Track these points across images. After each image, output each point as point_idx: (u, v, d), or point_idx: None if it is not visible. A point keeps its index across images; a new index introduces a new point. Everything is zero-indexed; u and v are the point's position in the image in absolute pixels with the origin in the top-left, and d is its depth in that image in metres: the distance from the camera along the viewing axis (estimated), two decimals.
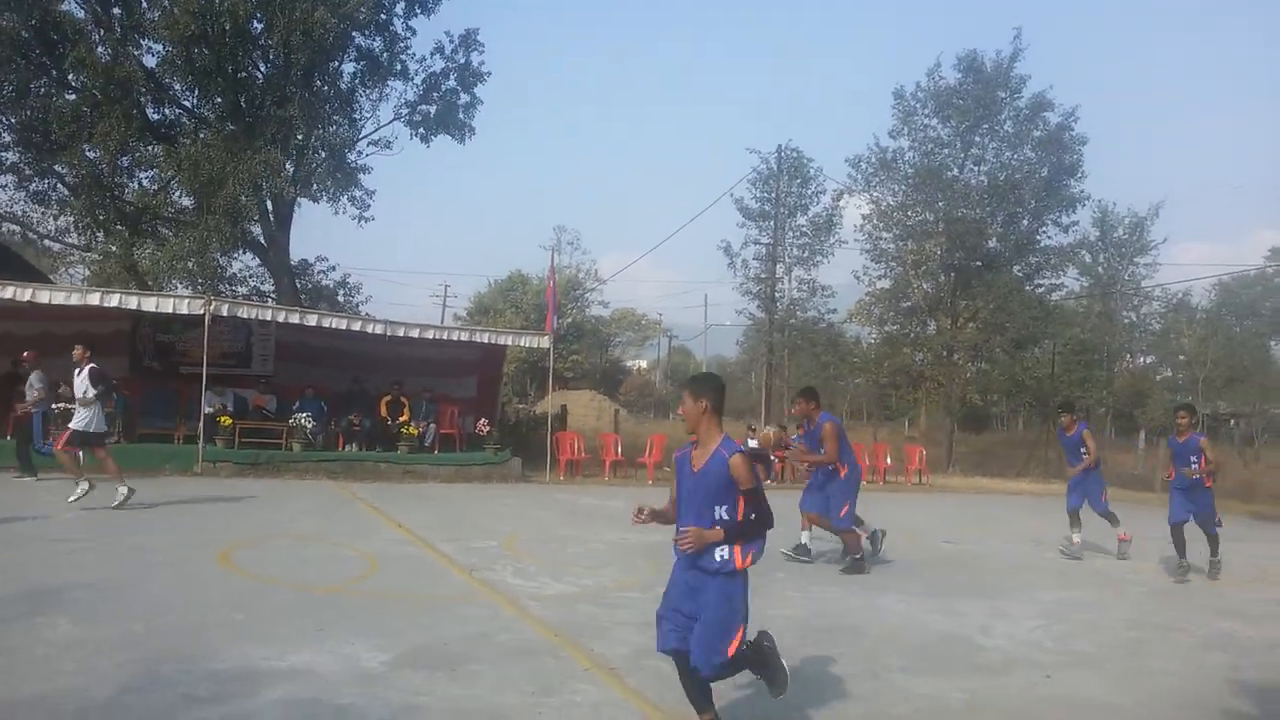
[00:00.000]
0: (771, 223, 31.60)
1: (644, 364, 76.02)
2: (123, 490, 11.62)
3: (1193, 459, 10.70)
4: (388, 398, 19.32)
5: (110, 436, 12.52)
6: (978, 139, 31.53)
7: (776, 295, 31.75)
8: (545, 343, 20.57)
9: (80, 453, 12.06)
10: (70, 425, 11.93)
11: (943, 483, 24.96)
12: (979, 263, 31.19)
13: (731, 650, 4.55)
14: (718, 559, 4.47)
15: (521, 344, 23.39)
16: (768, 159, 31.55)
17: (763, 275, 31.80)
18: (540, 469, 19.63)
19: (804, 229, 32.02)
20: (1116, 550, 11.99)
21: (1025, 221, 31.60)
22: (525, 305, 57.56)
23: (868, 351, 34.96)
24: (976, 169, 32.01)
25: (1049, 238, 32.03)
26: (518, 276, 61.45)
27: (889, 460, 24.31)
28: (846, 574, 9.86)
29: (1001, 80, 31.02)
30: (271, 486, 15.29)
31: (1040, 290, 32.45)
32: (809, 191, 32.04)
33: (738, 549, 4.49)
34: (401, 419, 18.94)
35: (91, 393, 11.72)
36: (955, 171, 31.86)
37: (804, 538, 10.51)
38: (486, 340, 20.75)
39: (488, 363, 22.19)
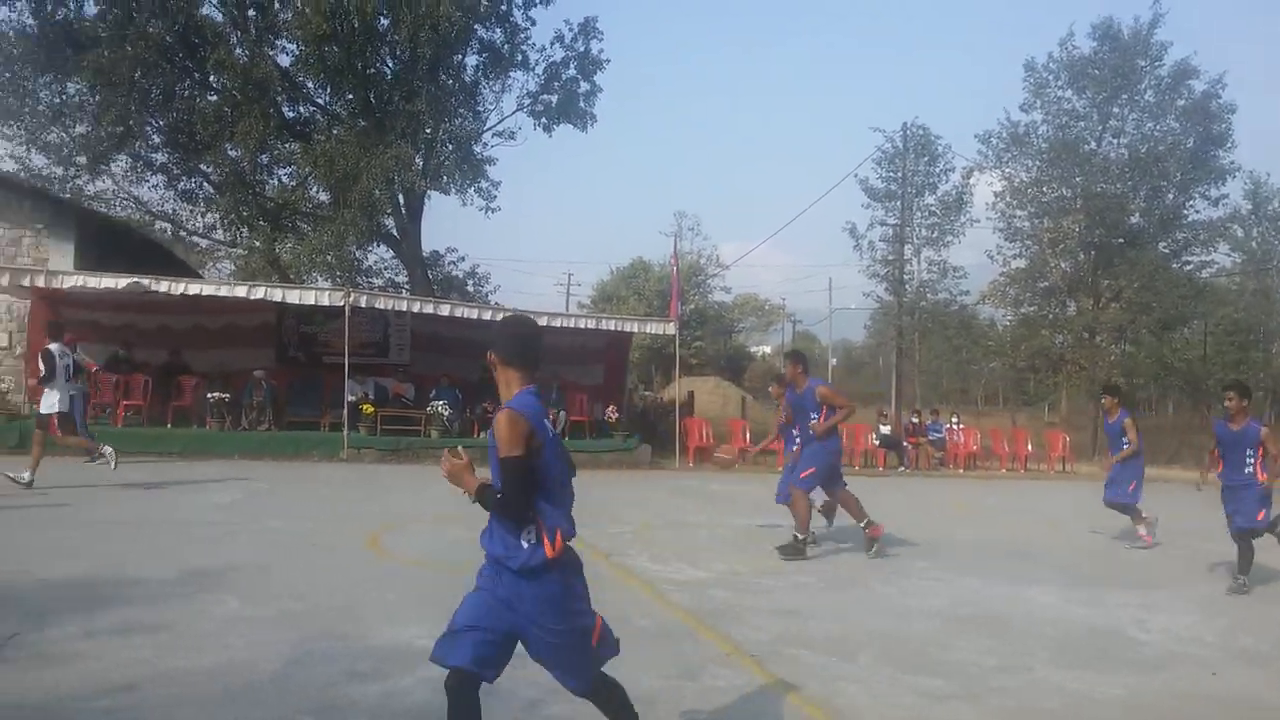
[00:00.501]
0: (898, 203, 30.86)
1: (768, 350, 75.43)
2: (26, 475, 11.07)
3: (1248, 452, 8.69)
4: None
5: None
6: (1116, 110, 30.01)
7: (905, 277, 31.01)
8: (671, 329, 20.61)
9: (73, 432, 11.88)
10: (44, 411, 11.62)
11: (1087, 470, 23.99)
12: (1121, 240, 29.73)
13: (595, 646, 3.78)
14: (524, 545, 3.44)
15: (647, 330, 23.51)
16: (893, 138, 30.83)
17: (890, 257, 31.10)
18: (669, 456, 19.71)
19: (933, 208, 31.15)
20: (1132, 543, 11.13)
21: (1170, 195, 29.94)
22: (648, 292, 57.79)
23: (1003, 334, 33.78)
24: (1116, 141, 30.49)
25: (1197, 212, 30.28)
26: (639, 263, 61.74)
27: (1030, 447, 23.45)
28: (785, 558, 9.01)
29: (1141, 48, 29.42)
30: (412, 472, 15.79)
31: (1189, 268, 30.71)
32: (937, 169, 31.13)
33: (544, 533, 3.45)
34: None
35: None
36: (1093, 145, 30.42)
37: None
38: (612, 327, 20.92)
39: (613, 350, 22.36)
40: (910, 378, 32.30)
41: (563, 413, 19.54)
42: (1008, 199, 31.25)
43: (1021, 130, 31.03)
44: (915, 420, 23.07)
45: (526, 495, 3.40)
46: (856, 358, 70.84)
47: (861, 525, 9.44)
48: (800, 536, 9.23)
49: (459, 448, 3.57)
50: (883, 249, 31.25)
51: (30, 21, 20.11)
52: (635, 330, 23.03)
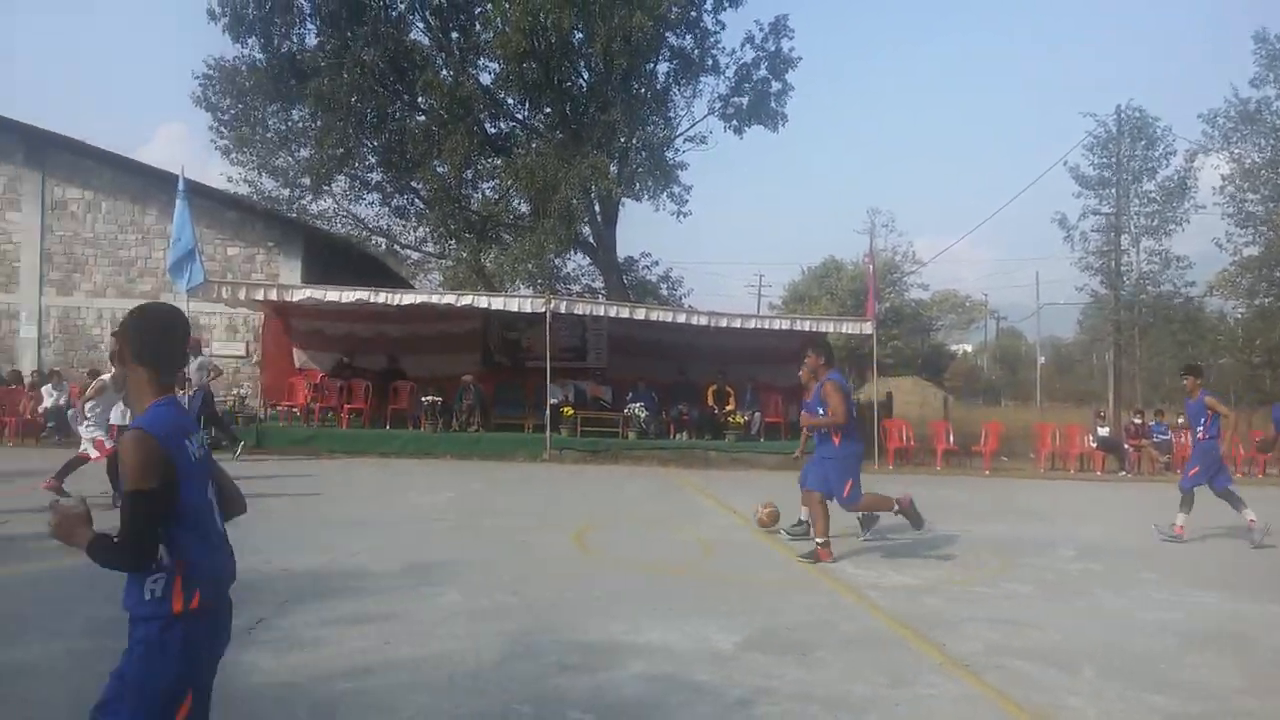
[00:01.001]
0: (1113, 190, 28.95)
1: (969, 348, 72.51)
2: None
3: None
4: (713, 387, 19.82)
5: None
6: None
7: (1122, 269, 29.06)
8: (867, 328, 20.17)
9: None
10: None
11: None
12: None
13: None
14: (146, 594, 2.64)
15: (842, 330, 23.09)
16: (1105, 122, 28.95)
17: (1105, 248, 29.18)
18: (868, 458, 19.25)
19: (1152, 195, 29.01)
20: (1159, 532, 10.62)
21: None
22: (840, 291, 56.81)
23: (1234, 328, 31.11)
24: None
25: None
26: (831, 263, 60.75)
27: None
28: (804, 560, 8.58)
29: None
30: (611, 472, 16.16)
31: None
32: (1156, 154, 28.94)
33: (179, 577, 2.65)
34: (728, 408, 19.36)
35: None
36: None
37: (804, 514, 9.64)
38: (807, 328, 20.67)
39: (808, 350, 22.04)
40: (1130, 376, 30.24)
41: (758, 413, 19.49)
42: (1237, 182, 28.74)
43: (1252, 107, 28.47)
44: (1137, 421, 21.61)
45: (148, 537, 2.59)
46: (1067, 355, 66.91)
47: (818, 540, 8.76)
48: (820, 541, 8.74)
49: (68, 498, 2.71)
50: (1096, 239, 29.35)
51: (259, 56, 21.92)
52: (830, 330, 22.66)
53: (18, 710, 4.40)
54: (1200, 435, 10.75)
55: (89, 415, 10.80)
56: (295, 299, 18.04)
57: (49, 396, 17.89)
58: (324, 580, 7.19)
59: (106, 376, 10.75)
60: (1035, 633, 6.47)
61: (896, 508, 8.94)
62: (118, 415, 10.42)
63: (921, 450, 20.60)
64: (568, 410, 18.53)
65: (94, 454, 10.64)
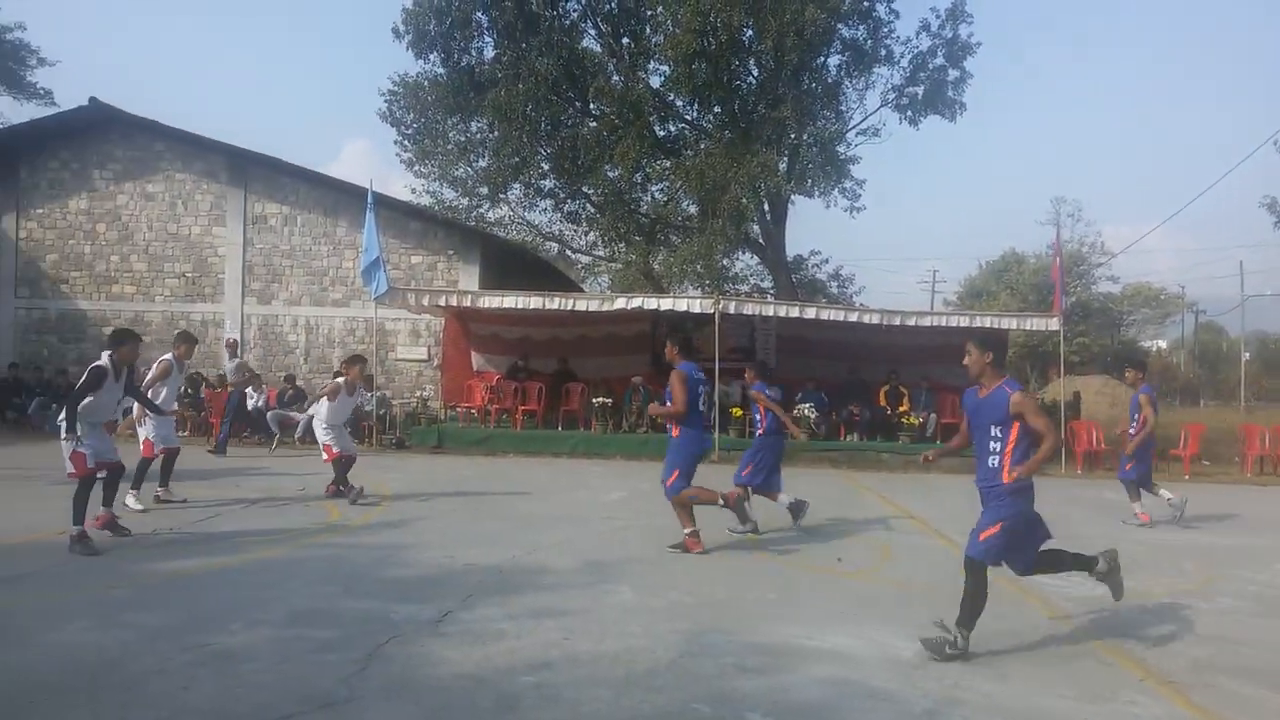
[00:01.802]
0: None
1: (1164, 344, 67.99)
2: None
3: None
4: (885, 387, 19.32)
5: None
6: None
7: None
8: (1054, 324, 19.21)
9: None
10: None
11: None
12: None
13: None
14: None
15: (1026, 326, 22.08)
16: None
17: None
18: (1055, 460, 18.32)
19: None
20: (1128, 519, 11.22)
21: None
22: (1021, 286, 54.44)
23: None
24: None
25: None
26: (1011, 256, 58.31)
27: None
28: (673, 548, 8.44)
29: None
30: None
31: None
32: None
33: None
34: (901, 408, 18.83)
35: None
36: None
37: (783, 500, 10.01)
38: (987, 324, 19.82)
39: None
40: None
41: (933, 415, 18.86)
42: None
43: None
44: None
45: None
46: (1275, 351, 61.80)
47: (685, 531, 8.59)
48: (688, 531, 8.64)
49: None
50: None
51: (440, 71, 22.86)
52: (1013, 327, 21.68)
53: (237, 689, 4.72)
54: (1133, 431, 11.25)
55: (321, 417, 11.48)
56: (479, 304, 18.65)
57: (250, 399, 19.19)
58: (506, 575, 7.41)
59: (340, 380, 11.80)
60: (1248, 651, 5.99)
61: (722, 502, 8.81)
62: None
63: (1112, 454, 19.40)
64: (736, 411, 18.45)
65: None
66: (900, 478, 16.10)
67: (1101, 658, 5.77)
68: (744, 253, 26.04)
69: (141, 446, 10.38)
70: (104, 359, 8.36)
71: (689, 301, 19.01)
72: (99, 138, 21.45)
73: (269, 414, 18.71)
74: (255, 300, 21.47)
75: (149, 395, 9.84)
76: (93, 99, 20.75)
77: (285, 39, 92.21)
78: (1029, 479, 5.66)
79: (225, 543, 8.48)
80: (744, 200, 20.92)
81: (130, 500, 9.83)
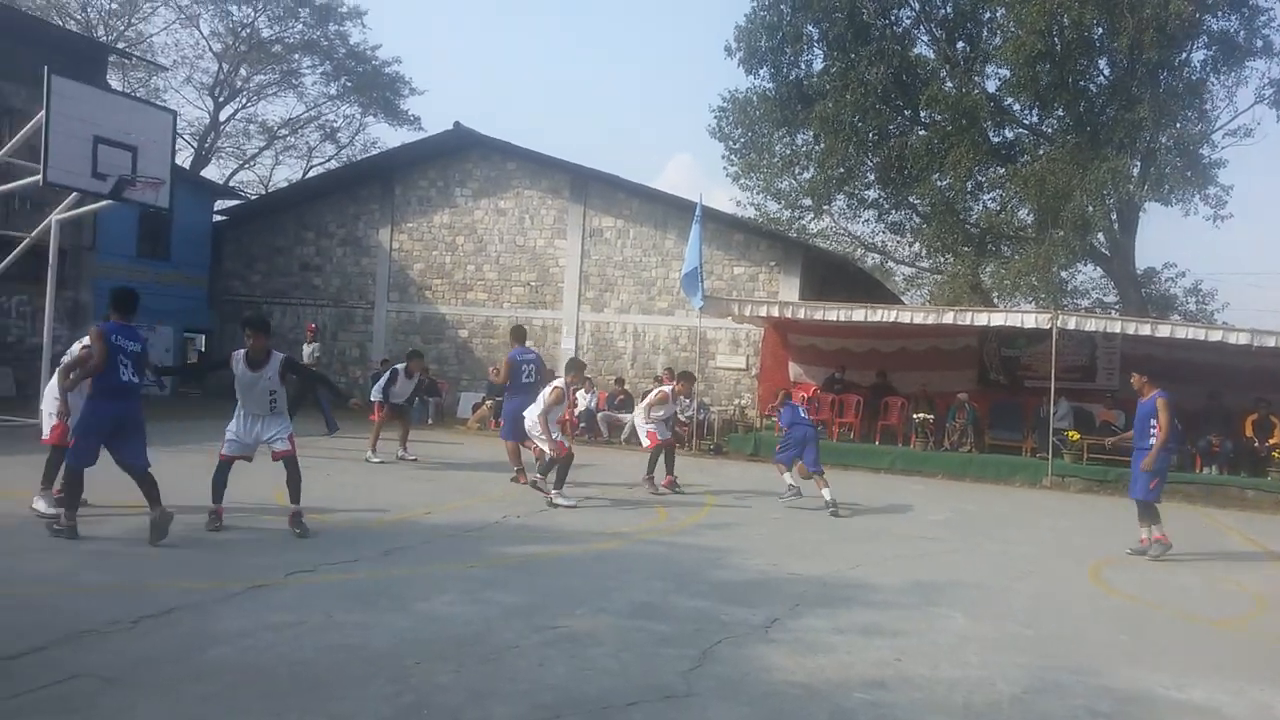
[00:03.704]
0: None
1: None
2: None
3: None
4: (1253, 416, 17.19)
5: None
6: None
7: None
8: None
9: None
10: None
11: None
12: None
13: None
14: None
15: None
16: None
17: None
18: None
19: None
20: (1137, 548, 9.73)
21: None
22: None
23: None
24: None
25: None
26: None
27: None
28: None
29: None
30: (1124, 505, 14.65)
31: None
32: None
33: None
34: (1271, 440, 16.67)
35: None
36: None
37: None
38: None
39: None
40: None
41: None
42: None
43: None
44: None
45: None
46: None
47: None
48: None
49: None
50: None
51: (769, 85, 23.21)
52: None
53: (586, 671, 5.05)
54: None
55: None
56: (798, 315, 18.70)
57: (581, 400, 20.42)
58: (830, 588, 7.37)
59: (666, 388, 12.97)
60: None
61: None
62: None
63: None
64: (1073, 435, 17.19)
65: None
66: (1271, 519, 14.27)
67: None
68: (1086, 265, 24.21)
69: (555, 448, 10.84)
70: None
71: (1022, 316, 17.94)
72: (461, 158, 23.72)
73: (599, 415, 19.81)
74: (589, 308, 22.82)
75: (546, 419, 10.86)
76: (457, 124, 22.99)
77: (612, 59, 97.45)
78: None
79: (566, 533, 9.09)
80: (1089, 208, 19.45)
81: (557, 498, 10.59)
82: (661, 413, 12.65)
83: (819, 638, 5.91)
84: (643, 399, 13.57)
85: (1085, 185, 18.99)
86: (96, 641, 5.03)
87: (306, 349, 18.74)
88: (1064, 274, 23.68)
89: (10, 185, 14.61)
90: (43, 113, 12.52)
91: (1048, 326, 16.87)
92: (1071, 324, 17.18)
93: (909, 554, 9.17)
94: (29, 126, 13.30)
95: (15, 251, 15.28)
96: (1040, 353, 18.15)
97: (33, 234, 15.30)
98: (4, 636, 4.97)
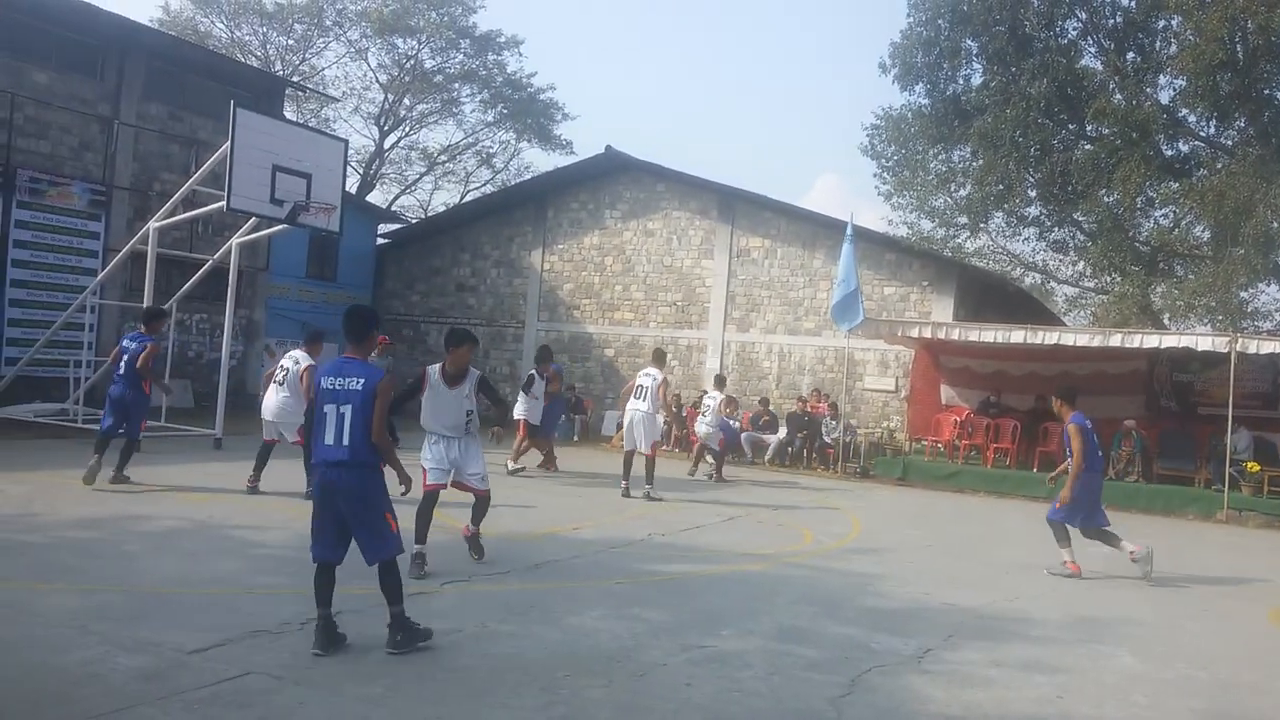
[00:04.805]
0: None
1: None
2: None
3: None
4: None
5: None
6: None
7: None
8: None
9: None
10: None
11: None
12: None
13: None
14: None
15: None
16: None
17: None
18: None
19: None
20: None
21: None
22: None
23: None
24: None
25: None
26: None
27: None
28: None
29: None
30: None
31: None
32: None
33: None
34: None
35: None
36: None
37: None
38: None
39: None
40: None
41: None
42: None
43: None
44: None
45: None
46: None
47: None
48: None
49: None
50: None
51: (925, 101, 22.67)
52: None
53: (733, 693, 5.04)
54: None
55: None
56: (952, 336, 18.18)
57: (732, 422, 20.40)
58: (986, 620, 7.12)
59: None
60: None
61: None
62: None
63: None
64: (1253, 466, 16.06)
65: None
66: None
67: None
68: (1269, 284, 22.54)
69: None
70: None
71: (1198, 338, 16.90)
72: (611, 181, 24.14)
73: (743, 435, 19.73)
74: (735, 328, 22.77)
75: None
76: (608, 147, 23.43)
77: (758, 83, 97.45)
78: None
79: (710, 552, 9.08)
80: (1274, 224, 18.13)
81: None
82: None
83: (975, 671, 5.71)
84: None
85: (1269, 200, 17.70)
86: (269, 641, 5.34)
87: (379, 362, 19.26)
88: (1244, 294, 22.07)
89: (198, 211, 15.70)
90: (228, 143, 13.42)
91: (1225, 350, 15.85)
92: (1253, 347, 16.07)
93: (1070, 587, 8.77)
94: (215, 156, 14.26)
95: (199, 273, 16.40)
96: (1216, 378, 17.07)
97: (214, 256, 16.39)
98: (184, 632, 5.33)
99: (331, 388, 5.30)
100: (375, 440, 5.27)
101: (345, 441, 5.22)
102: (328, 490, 5.28)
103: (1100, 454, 9.88)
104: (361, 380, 5.28)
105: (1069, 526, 9.56)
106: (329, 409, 5.27)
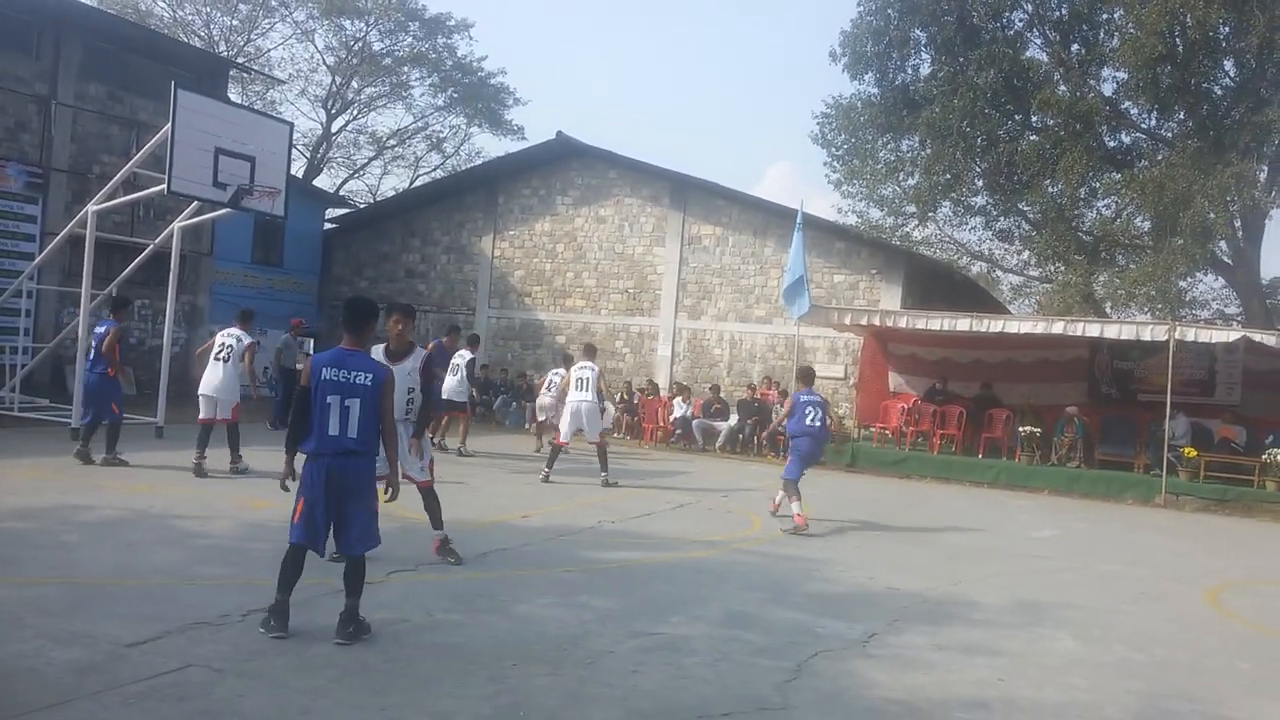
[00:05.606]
0: None
1: None
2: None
3: None
4: None
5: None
6: None
7: None
8: None
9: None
10: None
11: None
12: None
13: None
14: None
15: None
16: None
17: None
18: None
19: None
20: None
21: None
22: None
23: None
24: None
25: None
26: None
27: None
28: None
29: None
30: (1243, 526, 14.03)
31: None
32: None
33: None
34: None
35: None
36: None
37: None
38: None
39: None
40: None
41: None
42: None
43: None
44: None
45: None
46: None
47: None
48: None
49: None
50: None
51: (874, 91, 22.84)
52: None
53: (680, 680, 5.05)
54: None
55: None
56: (899, 324, 18.38)
57: (679, 408, 20.44)
58: (931, 604, 7.22)
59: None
60: None
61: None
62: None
63: None
64: (1190, 451, 16.46)
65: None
66: None
67: None
68: (1206, 274, 23.07)
69: None
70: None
71: (1138, 327, 17.26)
72: (563, 167, 23.99)
73: (694, 423, 19.79)
74: (686, 315, 22.81)
75: None
76: (559, 133, 23.28)
77: (711, 71, 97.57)
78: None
79: (660, 540, 9.10)
80: (1211, 215, 18.55)
81: None
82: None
83: (919, 654, 5.79)
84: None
85: (1207, 191, 18.11)
86: (209, 633, 5.25)
87: (283, 338, 18.46)
88: (1183, 284, 22.56)
89: (139, 194, 15.34)
90: (169, 125, 13.11)
91: (1164, 338, 16.22)
92: (1190, 335, 16.46)
93: (1013, 571, 8.92)
94: (156, 138, 13.93)
95: (140, 258, 16.02)
96: (1155, 365, 17.47)
97: (155, 241, 16.02)
98: (123, 624, 5.22)
99: (335, 379, 5.39)
100: (385, 433, 5.57)
101: (353, 434, 5.37)
102: (334, 478, 5.34)
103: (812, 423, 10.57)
104: (370, 376, 5.45)
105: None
106: (332, 400, 5.36)
